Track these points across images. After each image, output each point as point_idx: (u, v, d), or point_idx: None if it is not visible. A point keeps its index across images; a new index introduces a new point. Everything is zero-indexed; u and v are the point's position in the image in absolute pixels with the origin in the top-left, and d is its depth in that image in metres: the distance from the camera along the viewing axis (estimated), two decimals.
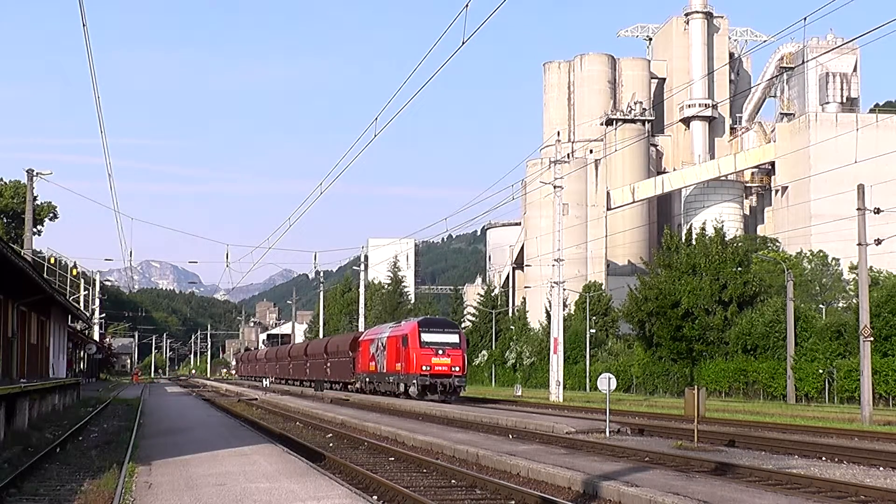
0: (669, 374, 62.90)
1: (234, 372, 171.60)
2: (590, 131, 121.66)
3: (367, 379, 52.59)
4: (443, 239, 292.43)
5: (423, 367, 43.37)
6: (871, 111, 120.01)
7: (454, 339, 44.95)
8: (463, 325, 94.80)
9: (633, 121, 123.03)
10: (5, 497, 14.00)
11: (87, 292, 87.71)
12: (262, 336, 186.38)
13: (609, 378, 24.22)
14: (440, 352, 43.63)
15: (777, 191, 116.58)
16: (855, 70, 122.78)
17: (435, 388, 43.33)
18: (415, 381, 43.54)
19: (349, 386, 57.85)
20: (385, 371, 48.42)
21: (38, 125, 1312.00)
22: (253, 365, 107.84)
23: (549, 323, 62.46)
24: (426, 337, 44.17)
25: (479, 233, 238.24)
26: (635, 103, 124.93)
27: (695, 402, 22.21)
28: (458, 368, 43.93)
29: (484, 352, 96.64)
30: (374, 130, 26.18)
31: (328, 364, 64.01)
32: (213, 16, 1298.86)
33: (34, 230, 65.14)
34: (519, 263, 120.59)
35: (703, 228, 65.99)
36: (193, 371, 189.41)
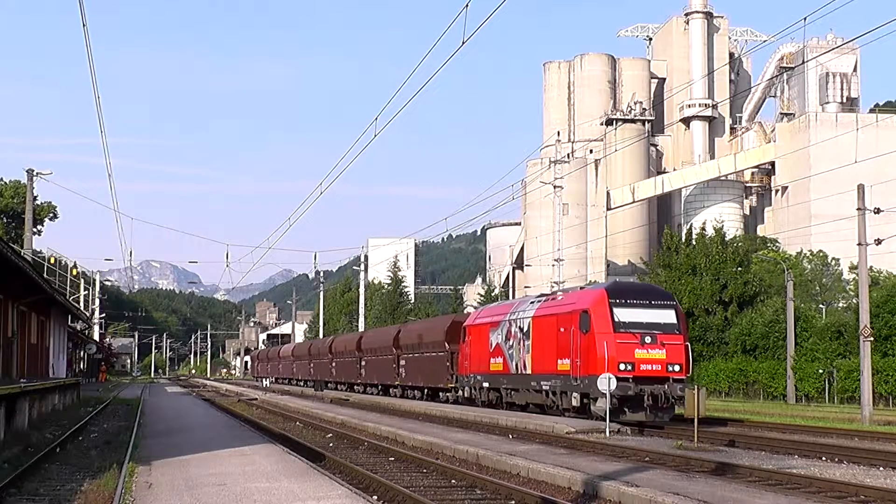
0: None
1: (234, 372, 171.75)
2: (590, 131, 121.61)
3: (486, 384, 34.73)
4: (443, 239, 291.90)
5: (622, 366, 26.28)
6: (871, 111, 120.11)
7: (669, 316, 27.49)
8: None
9: (633, 121, 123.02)
10: (5, 497, 14.00)
11: (87, 292, 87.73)
12: (262, 336, 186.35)
13: (609, 378, 24.20)
14: (648, 339, 26.72)
15: (777, 191, 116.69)
16: (855, 70, 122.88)
17: (640, 400, 26.39)
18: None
19: (442, 393, 40.57)
20: (529, 372, 31.06)
21: (38, 125, 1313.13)
22: (274, 364, 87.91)
23: None
24: (623, 314, 27.02)
25: (479, 233, 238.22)
26: (635, 103, 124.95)
27: (695, 402, 22.24)
28: (678, 367, 26.83)
29: None
30: (374, 130, 26.22)
31: (400, 362, 46.78)
32: (213, 16, 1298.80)
33: (34, 230, 65.15)
34: (519, 263, 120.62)
35: (703, 228, 66.04)
36: (193, 371, 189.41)
